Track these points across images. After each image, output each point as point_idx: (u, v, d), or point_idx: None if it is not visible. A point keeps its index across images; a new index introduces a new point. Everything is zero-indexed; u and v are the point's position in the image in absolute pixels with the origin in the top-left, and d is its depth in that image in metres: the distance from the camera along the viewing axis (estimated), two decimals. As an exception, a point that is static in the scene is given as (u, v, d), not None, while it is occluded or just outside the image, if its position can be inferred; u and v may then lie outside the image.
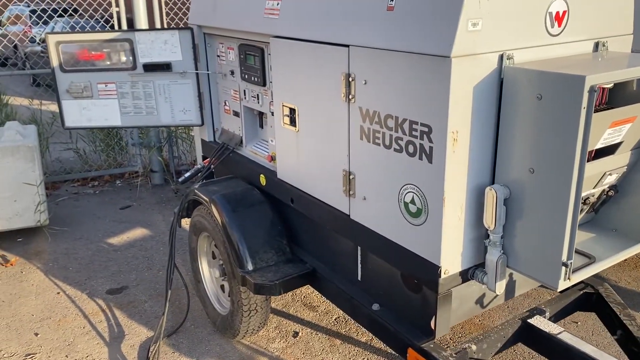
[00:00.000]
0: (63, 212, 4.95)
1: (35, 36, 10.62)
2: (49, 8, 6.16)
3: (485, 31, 1.74)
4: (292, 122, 2.55)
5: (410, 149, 1.91)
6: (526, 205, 1.83)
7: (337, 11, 2.16)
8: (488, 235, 1.93)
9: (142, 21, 5.25)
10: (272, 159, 2.91)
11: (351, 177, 2.23)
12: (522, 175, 1.81)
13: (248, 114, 3.14)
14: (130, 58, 3.34)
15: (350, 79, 2.11)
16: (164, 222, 4.72)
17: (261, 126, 3.13)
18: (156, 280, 3.76)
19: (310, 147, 2.45)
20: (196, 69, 3.31)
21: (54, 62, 3.34)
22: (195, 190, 3.00)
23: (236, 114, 3.22)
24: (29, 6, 12.35)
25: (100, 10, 6.06)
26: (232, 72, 3.15)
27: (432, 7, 1.76)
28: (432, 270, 1.93)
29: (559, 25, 1.94)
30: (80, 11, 7.57)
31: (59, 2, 6.47)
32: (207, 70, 3.36)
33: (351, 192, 2.25)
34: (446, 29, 1.71)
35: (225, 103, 3.32)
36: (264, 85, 2.85)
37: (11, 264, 4.01)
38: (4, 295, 3.63)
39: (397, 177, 2.00)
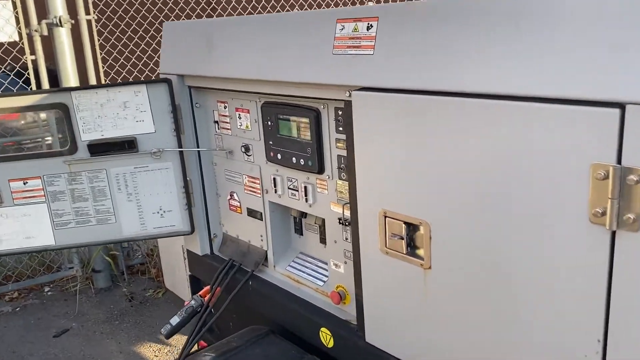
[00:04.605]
0: (-33, 352, 3.39)
1: None
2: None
3: None
4: (412, 249, 1.32)
5: None
6: None
7: (577, 31, 0.97)
8: None
9: (69, 74, 3.85)
10: (342, 298, 1.66)
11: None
12: None
13: (276, 213, 1.90)
14: (66, 135, 2.00)
15: (629, 181, 0.91)
16: (122, 356, 3.27)
17: (299, 232, 1.88)
18: None
19: (474, 304, 1.22)
20: (180, 146, 2.02)
21: None
22: (210, 373, 1.66)
23: (252, 213, 1.96)
24: None
25: (13, 60, 4.55)
26: (247, 149, 1.90)
27: None
28: None
29: None
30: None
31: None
32: (197, 147, 2.08)
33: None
34: None
35: (231, 196, 2.05)
36: (320, 172, 1.62)
37: None
38: None
39: None
